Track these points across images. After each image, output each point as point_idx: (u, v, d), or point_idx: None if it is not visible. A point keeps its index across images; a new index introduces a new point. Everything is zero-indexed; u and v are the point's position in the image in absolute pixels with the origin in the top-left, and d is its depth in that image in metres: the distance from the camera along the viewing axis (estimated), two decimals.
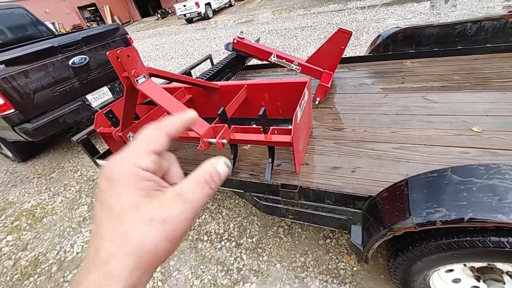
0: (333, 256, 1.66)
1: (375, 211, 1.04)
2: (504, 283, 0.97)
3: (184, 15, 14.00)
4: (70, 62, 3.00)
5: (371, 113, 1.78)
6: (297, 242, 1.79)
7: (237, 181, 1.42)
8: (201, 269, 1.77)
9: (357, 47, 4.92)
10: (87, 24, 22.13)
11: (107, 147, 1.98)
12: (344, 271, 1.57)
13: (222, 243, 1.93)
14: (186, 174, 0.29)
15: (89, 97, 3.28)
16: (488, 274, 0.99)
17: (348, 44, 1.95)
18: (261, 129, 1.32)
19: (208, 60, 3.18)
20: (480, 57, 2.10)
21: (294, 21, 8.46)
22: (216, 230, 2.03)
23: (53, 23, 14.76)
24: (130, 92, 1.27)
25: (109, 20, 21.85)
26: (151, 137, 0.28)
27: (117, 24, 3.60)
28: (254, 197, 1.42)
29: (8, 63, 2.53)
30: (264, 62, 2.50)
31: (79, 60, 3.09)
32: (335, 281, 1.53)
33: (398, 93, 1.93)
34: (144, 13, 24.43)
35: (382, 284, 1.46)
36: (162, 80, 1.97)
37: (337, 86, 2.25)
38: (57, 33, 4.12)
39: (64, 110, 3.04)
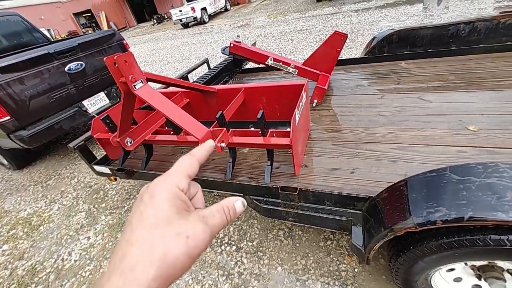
0: (334, 258, 1.65)
1: (375, 212, 1.04)
2: (505, 280, 0.97)
3: (180, 20, 14.07)
4: (66, 68, 2.99)
5: (368, 114, 1.79)
6: (297, 244, 1.78)
7: (236, 184, 1.41)
8: (201, 274, 1.76)
9: (352, 49, 4.97)
10: (83, 30, 22.10)
11: (104, 153, 1.97)
12: (345, 272, 1.56)
13: (222, 247, 1.91)
14: None
15: (85, 103, 3.26)
16: (489, 272, 0.99)
17: (343, 47, 1.96)
18: (260, 132, 1.32)
19: (205, 64, 3.19)
20: (474, 57, 2.14)
21: (290, 25, 8.53)
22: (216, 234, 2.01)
23: (48, 30, 14.76)
24: (128, 97, 1.27)
25: (105, 26, 21.85)
26: (186, 164, 0.34)
27: (113, 30, 3.60)
28: (254, 200, 1.41)
29: (4, 70, 2.52)
30: (261, 65, 2.52)
31: (75, 66, 3.08)
32: (336, 283, 1.52)
33: (394, 94, 1.94)
34: (140, 19, 24.47)
35: (384, 284, 1.46)
36: (159, 85, 1.97)
37: (334, 88, 2.26)
38: (52, 40, 4.11)
39: (60, 117, 3.02)
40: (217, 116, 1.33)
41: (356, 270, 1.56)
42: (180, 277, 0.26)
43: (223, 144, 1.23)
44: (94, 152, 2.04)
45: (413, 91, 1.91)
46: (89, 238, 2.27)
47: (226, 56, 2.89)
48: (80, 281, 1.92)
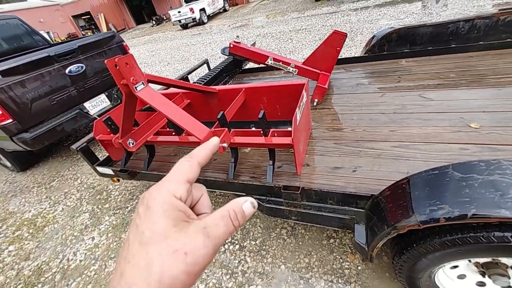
0: (337, 256, 1.65)
1: (378, 210, 1.04)
2: (509, 277, 0.97)
3: (179, 21, 14.07)
4: (67, 71, 3.00)
5: (369, 112, 1.80)
6: (300, 243, 1.79)
7: (238, 184, 1.42)
8: (205, 273, 1.76)
9: (352, 48, 4.97)
10: (82, 32, 22.16)
11: (107, 154, 1.98)
12: (349, 270, 1.57)
13: (226, 246, 1.92)
14: None
15: (86, 105, 3.27)
16: (493, 269, 0.99)
17: (343, 45, 1.97)
18: (261, 132, 1.33)
19: (205, 65, 3.19)
20: (474, 54, 2.14)
21: (289, 24, 8.53)
22: None
23: (48, 33, 14.79)
24: (129, 99, 1.28)
25: (104, 28, 21.88)
26: (184, 168, 0.31)
27: (112, 32, 3.61)
28: (256, 200, 1.42)
29: (5, 73, 2.53)
30: (261, 65, 2.52)
31: (76, 68, 3.09)
32: (340, 280, 1.53)
33: (395, 92, 1.94)
34: (139, 20, 24.48)
35: (388, 282, 1.46)
36: (159, 86, 1.98)
37: (334, 87, 2.27)
38: (52, 42, 4.13)
39: (62, 119, 3.03)
40: (219, 116, 1.34)
41: (359, 268, 1.56)
42: None
43: (225, 145, 1.23)
44: (96, 154, 2.05)
45: (414, 89, 1.91)
46: (93, 238, 2.28)
47: (226, 57, 2.90)
48: (85, 280, 1.93)
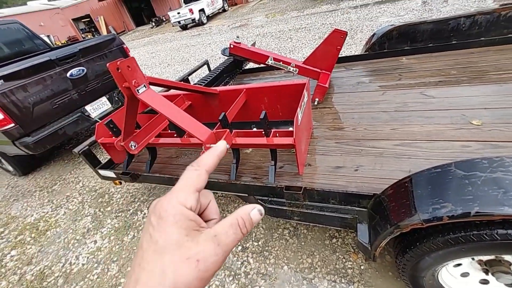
0: (340, 256, 1.65)
1: (380, 209, 1.04)
2: None
3: (179, 22, 14.08)
4: (68, 74, 3.02)
5: (370, 111, 1.79)
6: (303, 243, 1.79)
7: (240, 185, 1.42)
8: None
9: (352, 46, 4.95)
10: (82, 35, 22.23)
11: (109, 157, 1.99)
12: (352, 270, 1.56)
13: None
14: None
15: (88, 108, 3.28)
16: (496, 267, 0.99)
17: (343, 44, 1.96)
18: (263, 132, 1.33)
19: (205, 66, 3.20)
20: (476, 50, 2.12)
21: (288, 23, 8.52)
22: None
23: (48, 36, 14.86)
24: (131, 102, 1.28)
25: (104, 31, 21.94)
26: (192, 178, 0.32)
27: (113, 35, 3.62)
28: (259, 200, 1.42)
29: (7, 78, 2.55)
30: (261, 65, 2.52)
31: (77, 72, 3.11)
32: (343, 280, 1.53)
33: (396, 90, 1.94)
34: (139, 22, 24.54)
35: (391, 281, 1.46)
36: (160, 88, 1.98)
37: (335, 85, 2.26)
38: (52, 46, 4.14)
39: (64, 122, 3.05)
40: (220, 117, 1.34)
41: (362, 267, 1.56)
42: None
43: (227, 146, 1.23)
44: (98, 157, 2.06)
45: (415, 87, 1.90)
46: (96, 241, 2.29)
47: (226, 57, 2.90)
48: (88, 284, 1.93)
